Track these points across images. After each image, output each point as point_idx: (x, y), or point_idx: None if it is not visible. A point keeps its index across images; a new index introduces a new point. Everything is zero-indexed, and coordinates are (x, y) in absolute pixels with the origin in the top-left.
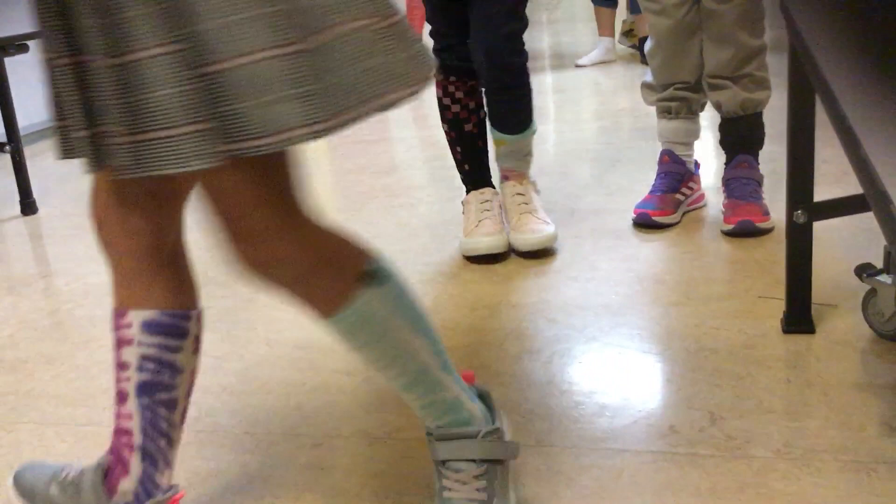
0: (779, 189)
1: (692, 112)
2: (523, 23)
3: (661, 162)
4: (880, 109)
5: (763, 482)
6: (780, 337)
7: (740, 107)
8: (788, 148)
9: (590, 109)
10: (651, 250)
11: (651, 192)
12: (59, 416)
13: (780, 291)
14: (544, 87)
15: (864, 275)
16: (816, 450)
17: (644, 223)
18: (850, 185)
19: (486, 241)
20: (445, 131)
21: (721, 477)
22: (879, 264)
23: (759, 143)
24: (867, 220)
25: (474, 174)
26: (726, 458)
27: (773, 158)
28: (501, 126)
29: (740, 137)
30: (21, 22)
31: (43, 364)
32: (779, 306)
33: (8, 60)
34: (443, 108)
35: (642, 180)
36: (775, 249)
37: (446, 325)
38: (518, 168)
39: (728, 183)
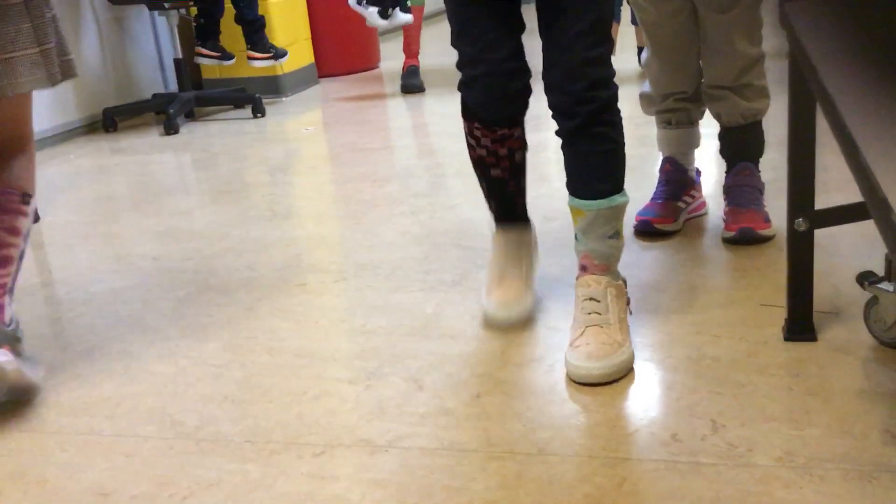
0: (780, 197)
1: (692, 121)
2: (609, 45)
3: (662, 170)
4: (880, 117)
5: (765, 490)
6: (782, 345)
7: (741, 116)
8: (789, 156)
9: None
10: (652, 258)
11: (652, 199)
12: (60, 425)
13: (782, 299)
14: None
15: (866, 282)
16: (819, 458)
17: (645, 230)
18: (852, 193)
19: (501, 314)
20: (472, 162)
21: (723, 485)
22: (881, 272)
23: (760, 151)
24: (868, 228)
25: (502, 209)
26: (728, 466)
27: (774, 166)
28: (577, 186)
29: (741, 146)
30: None
31: (44, 373)
32: (780, 314)
33: None
34: (468, 145)
35: (643, 188)
36: (776, 257)
37: (447, 334)
38: (600, 256)
39: (729, 190)
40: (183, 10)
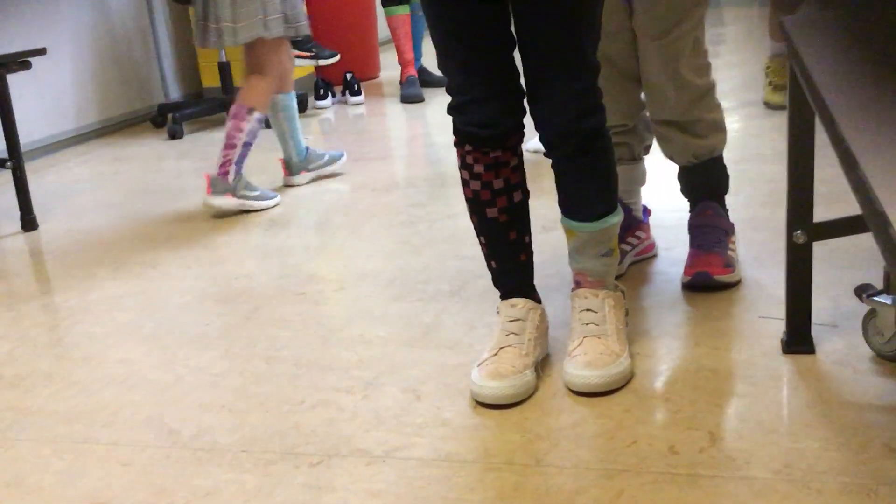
0: (778, 209)
1: (634, 157)
2: (596, 69)
3: None
4: (879, 130)
5: (764, 503)
6: (781, 357)
7: (693, 156)
8: (788, 168)
9: None
10: (649, 270)
11: None
12: (57, 433)
13: (780, 311)
14: None
15: (864, 295)
16: (817, 471)
17: None
18: (850, 206)
19: (492, 389)
20: (468, 206)
21: (721, 498)
22: (879, 285)
23: (724, 187)
24: (867, 241)
25: (505, 277)
26: (726, 479)
27: (772, 178)
28: (570, 208)
29: (700, 185)
30: (23, 39)
31: (41, 380)
32: (779, 326)
33: (10, 77)
34: (462, 182)
35: None
36: (775, 269)
37: (445, 344)
38: (594, 273)
39: (692, 231)
40: None
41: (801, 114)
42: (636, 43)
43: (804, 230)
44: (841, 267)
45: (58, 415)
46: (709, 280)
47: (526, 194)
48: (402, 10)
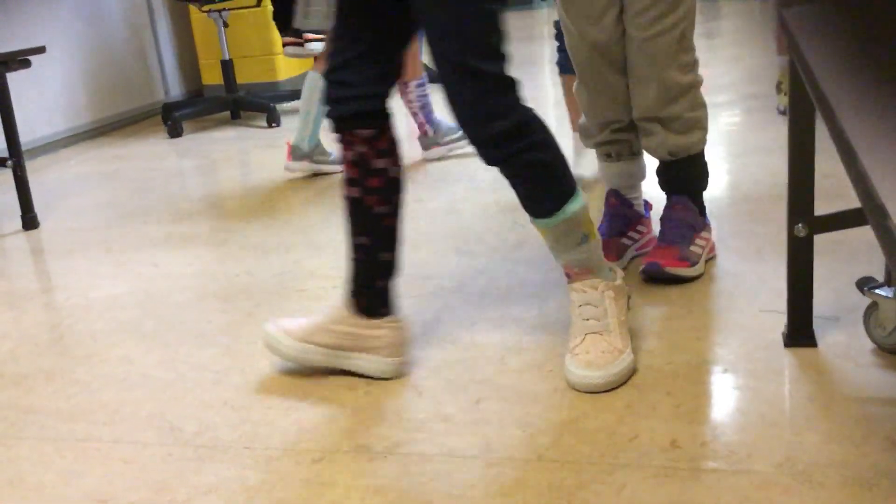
0: (780, 202)
1: (634, 152)
2: (495, 73)
3: (607, 204)
4: (879, 123)
5: (765, 497)
6: (782, 350)
7: (668, 153)
8: (789, 162)
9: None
10: None
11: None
12: (59, 432)
13: (782, 305)
14: (547, 101)
15: (865, 288)
16: (818, 464)
17: None
18: (851, 199)
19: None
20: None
21: (723, 492)
22: (880, 277)
23: (701, 184)
24: (868, 234)
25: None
26: (728, 472)
27: (773, 172)
28: (528, 208)
29: (675, 181)
30: (23, 37)
31: (43, 379)
32: (780, 320)
33: (10, 75)
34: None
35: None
36: (776, 263)
37: (447, 340)
38: (578, 263)
39: (661, 224)
40: (226, 13)
41: (802, 107)
42: (627, 40)
43: (805, 223)
44: (842, 260)
45: (59, 413)
46: (658, 272)
47: (397, 177)
48: None
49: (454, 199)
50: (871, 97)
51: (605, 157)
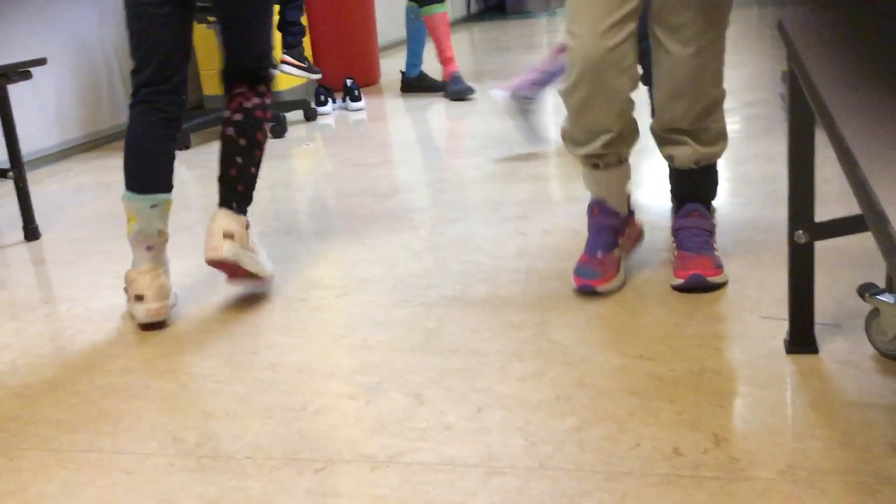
0: (780, 209)
1: (622, 159)
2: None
3: (590, 214)
4: (878, 130)
5: None
6: (784, 357)
7: (694, 162)
8: (789, 168)
9: None
10: (652, 270)
11: (587, 252)
12: (61, 443)
13: (783, 311)
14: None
15: (867, 294)
16: (821, 471)
17: (589, 293)
18: (852, 205)
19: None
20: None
21: (725, 499)
22: (882, 283)
23: (713, 192)
24: (869, 240)
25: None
26: (730, 479)
27: (774, 178)
28: None
29: (693, 189)
30: (24, 49)
31: (45, 390)
32: (782, 326)
33: (11, 87)
34: None
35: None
36: (777, 269)
37: (448, 348)
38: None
39: (678, 233)
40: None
41: (802, 114)
42: (634, 40)
43: (806, 229)
44: (843, 266)
45: (61, 424)
46: (703, 282)
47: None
48: (440, 9)
49: (454, 208)
50: (870, 104)
51: (592, 166)
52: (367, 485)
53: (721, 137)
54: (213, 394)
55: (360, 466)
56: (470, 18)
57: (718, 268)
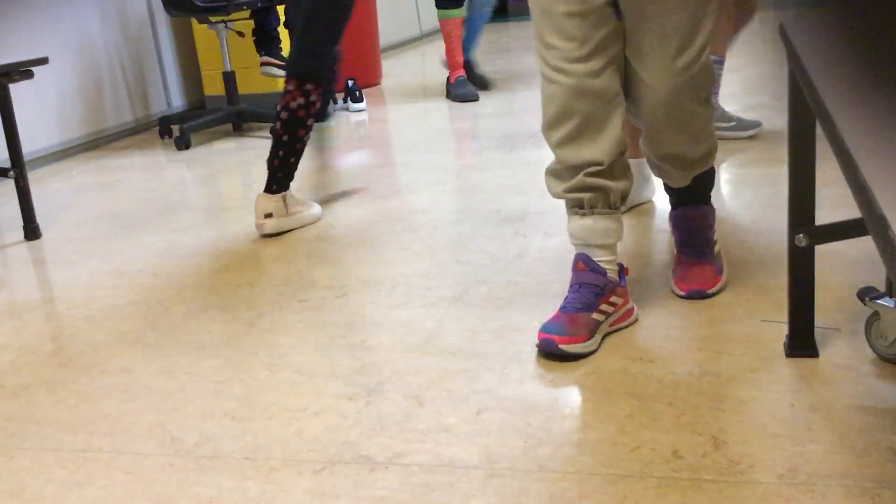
0: (781, 213)
1: (611, 205)
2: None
3: (574, 269)
4: (879, 133)
5: None
6: (784, 361)
7: (690, 180)
8: (790, 171)
9: None
10: (652, 272)
11: (561, 308)
12: (60, 443)
13: (783, 315)
14: None
15: (867, 298)
16: (820, 474)
17: (550, 352)
18: (852, 209)
19: None
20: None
21: (725, 502)
22: (882, 287)
23: (710, 187)
24: (869, 243)
25: None
26: (730, 483)
27: (773, 182)
28: None
29: (689, 192)
30: (26, 48)
31: (44, 390)
32: (781, 330)
33: (12, 86)
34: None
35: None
36: (777, 273)
37: (448, 350)
38: None
39: (676, 226)
40: (230, 25)
41: (802, 117)
42: (619, 69)
43: (806, 233)
44: (843, 270)
45: (60, 424)
46: (704, 296)
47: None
48: (457, 14)
49: (454, 209)
50: (871, 107)
51: (576, 208)
52: (366, 486)
53: (712, 151)
54: (212, 394)
55: (359, 468)
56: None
57: (718, 275)
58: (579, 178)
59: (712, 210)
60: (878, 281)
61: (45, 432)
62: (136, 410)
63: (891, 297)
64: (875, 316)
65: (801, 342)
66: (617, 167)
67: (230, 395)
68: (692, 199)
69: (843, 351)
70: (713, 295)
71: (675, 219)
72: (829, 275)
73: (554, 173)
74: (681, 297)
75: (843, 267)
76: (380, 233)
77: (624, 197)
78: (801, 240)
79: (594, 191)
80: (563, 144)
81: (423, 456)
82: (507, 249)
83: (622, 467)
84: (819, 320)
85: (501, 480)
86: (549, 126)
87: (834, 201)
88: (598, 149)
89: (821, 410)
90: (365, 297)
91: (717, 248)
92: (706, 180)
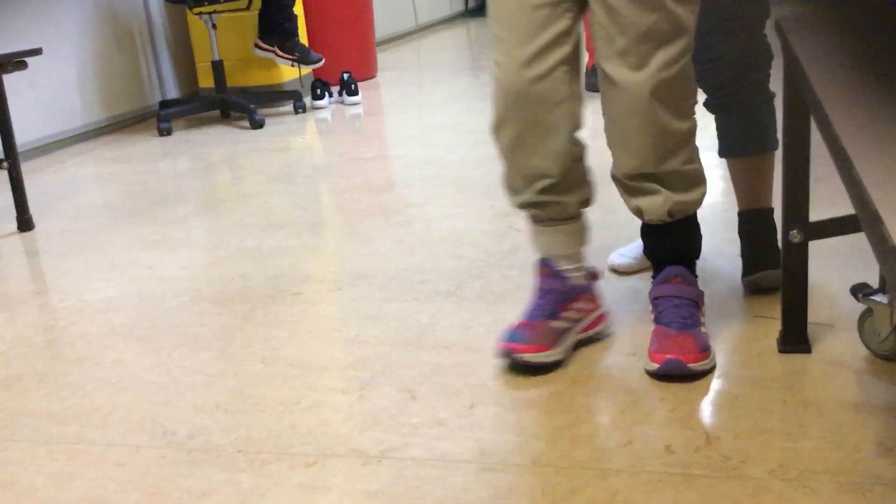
0: (775, 208)
1: (571, 216)
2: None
3: (537, 274)
4: (873, 130)
5: (759, 503)
6: (776, 357)
7: (668, 214)
8: (783, 168)
9: None
10: (642, 282)
11: (521, 316)
12: (51, 435)
13: (776, 311)
14: None
15: (860, 294)
16: (812, 470)
17: (511, 360)
18: (846, 205)
19: None
20: None
21: (716, 498)
22: (875, 284)
23: (696, 249)
24: (863, 240)
25: None
26: (722, 478)
27: None
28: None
29: (670, 248)
30: (19, 39)
31: (36, 381)
32: (775, 326)
33: (6, 77)
34: None
35: None
36: None
37: (441, 343)
38: None
39: (657, 304)
40: (216, 15)
41: (797, 113)
42: (576, 66)
43: (800, 229)
44: (837, 266)
45: (52, 416)
46: (682, 369)
47: None
48: None
49: (449, 203)
50: (865, 104)
51: (533, 220)
52: (358, 479)
53: (698, 182)
54: (205, 387)
55: (351, 461)
56: (467, 14)
57: (703, 351)
58: (531, 195)
59: (696, 286)
60: (872, 277)
61: (36, 424)
62: (129, 403)
63: (884, 293)
64: (868, 312)
65: (795, 338)
66: (571, 177)
67: (223, 387)
68: (673, 259)
69: (836, 347)
70: (694, 374)
71: (655, 293)
72: (823, 271)
73: (507, 183)
74: (653, 373)
75: (836, 263)
76: (374, 226)
77: (582, 204)
78: (796, 236)
79: (549, 205)
80: (509, 151)
81: (415, 450)
82: (500, 244)
83: (614, 462)
84: (812, 317)
85: (494, 475)
86: (494, 131)
87: (829, 197)
88: (546, 159)
89: (813, 406)
90: (359, 291)
91: (705, 331)
92: (689, 236)
